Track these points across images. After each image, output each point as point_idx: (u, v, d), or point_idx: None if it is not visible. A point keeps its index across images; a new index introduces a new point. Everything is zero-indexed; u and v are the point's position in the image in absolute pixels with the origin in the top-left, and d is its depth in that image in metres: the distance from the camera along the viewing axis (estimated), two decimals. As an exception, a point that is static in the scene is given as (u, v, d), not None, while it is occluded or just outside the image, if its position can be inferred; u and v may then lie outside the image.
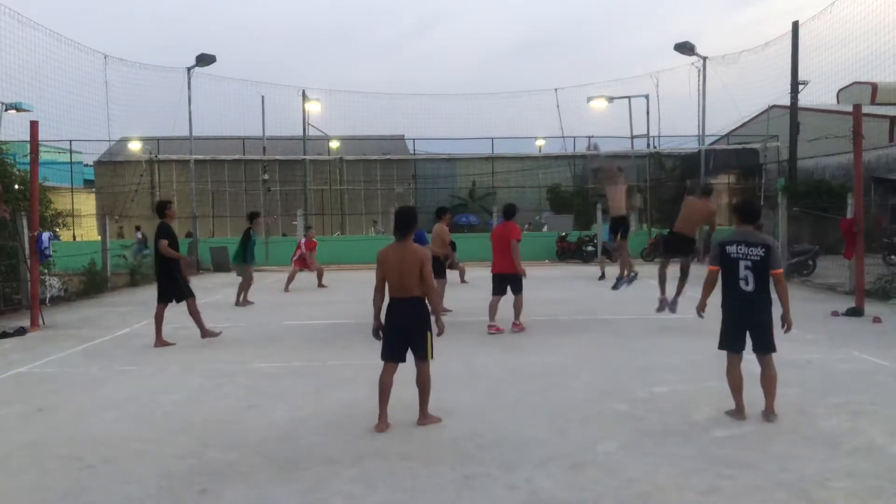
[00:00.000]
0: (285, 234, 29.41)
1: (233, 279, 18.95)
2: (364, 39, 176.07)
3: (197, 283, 18.62)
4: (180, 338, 9.79)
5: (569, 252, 23.73)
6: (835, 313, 10.61)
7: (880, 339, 8.70)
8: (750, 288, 5.37)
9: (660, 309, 10.13)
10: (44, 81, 18.66)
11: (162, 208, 9.47)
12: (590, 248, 23.24)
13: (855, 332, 9.24)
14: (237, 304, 13.38)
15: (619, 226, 11.73)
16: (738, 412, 5.53)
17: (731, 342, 5.56)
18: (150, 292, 16.16)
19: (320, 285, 16.49)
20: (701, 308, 5.93)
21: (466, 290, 14.42)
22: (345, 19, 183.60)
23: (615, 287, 11.90)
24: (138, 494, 4.24)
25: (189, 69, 23.16)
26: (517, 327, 9.59)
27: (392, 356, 5.42)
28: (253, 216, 14.08)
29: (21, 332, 10.28)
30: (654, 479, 4.30)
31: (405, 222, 5.43)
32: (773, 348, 5.51)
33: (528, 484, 4.27)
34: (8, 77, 16.22)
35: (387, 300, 5.46)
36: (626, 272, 11.79)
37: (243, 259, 13.66)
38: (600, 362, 7.72)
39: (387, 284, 5.40)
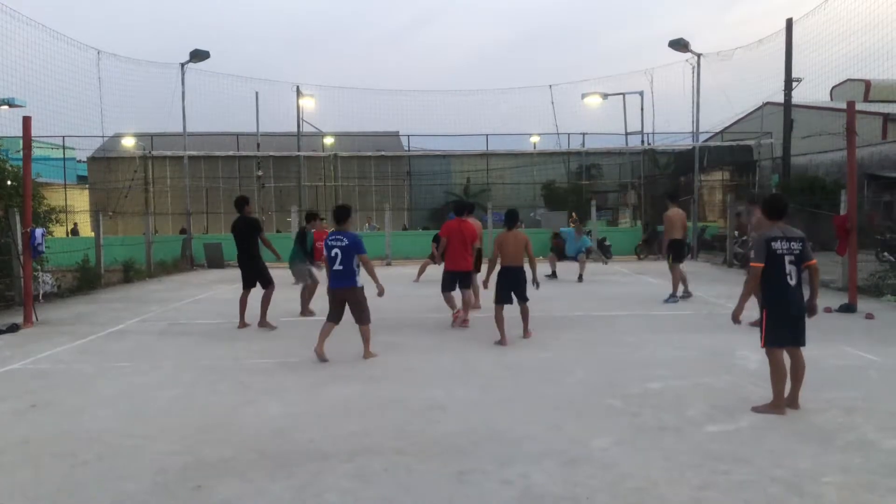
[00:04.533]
0: (279, 230, 29.36)
1: (224, 275, 18.94)
2: (359, 36, 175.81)
3: (190, 279, 18.65)
4: (174, 333, 9.79)
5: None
6: (828, 309, 10.63)
7: (873, 335, 8.74)
8: (794, 282, 5.44)
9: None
10: (37, 77, 18.53)
11: (242, 204, 10.25)
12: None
13: (848, 328, 9.28)
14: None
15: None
16: (779, 406, 5.49)
17: (783, 338, 5.52)
18: (144, 288, 16.16)
19: None
20: (739, 314, 5.66)
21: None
22: (340, 16, 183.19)
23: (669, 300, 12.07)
24: (132, 491, 4.24)
25: (183, 65, 23.05)
26: (465, 323, 9.97)
27: (505, 300, 8.68)
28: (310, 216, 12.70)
29: (14, 328, 10.24)
30: (649, 475, 4.32)
31: (513, 218, 8.94)
32: (804, 341, 5.60)
33: (523, 479, 4.28)
34: (0, 72, 16.10)
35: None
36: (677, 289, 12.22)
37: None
38: (594, 358, 7.74)
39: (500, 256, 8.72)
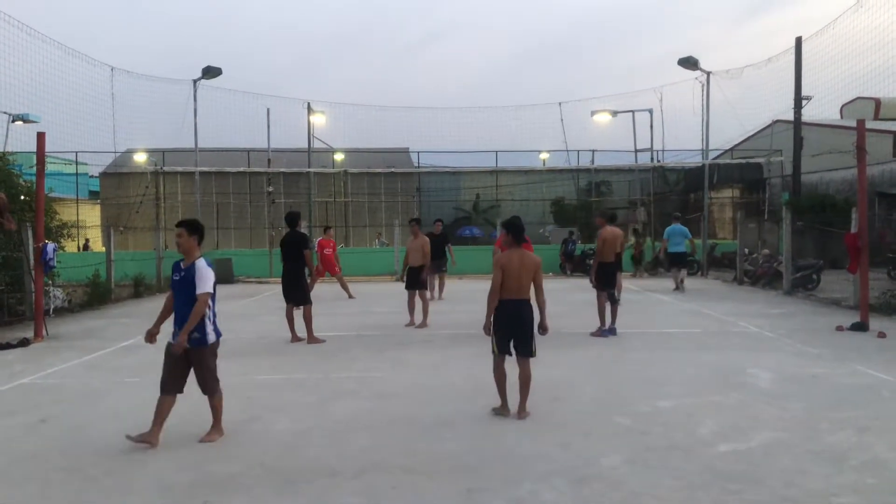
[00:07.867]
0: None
1: (234, 291, 18.99)
2: (369, 53, 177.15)
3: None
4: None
5: (572, 265, 23.73)
6: (839, 328, 10.57)
7: (885, 354, 8.66)
8: None
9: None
10: (51, 93, 18.80)
11: (295, 219, 10.47)
12: (592, 262, 23.26)
13: (860, 346, 9.20)
14: None
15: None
16: None
17: None
18: (154, 303, 16.20)
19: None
20: None
21: (466, 304, 14.39)
22: (350, 32, 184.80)
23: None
24: (140, 506, 4.23)
25: (195, 81, 23.28)
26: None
27: (507, 348, 6.00)
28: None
29: (25, 343, 10.29)
30: (658, 494, 4.27)
31: (519, 231, 6.12)
32: None
33: (532, 497, 4.25)
34: (15, 88, 16.33)
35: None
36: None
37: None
38: (604, 376, 7.70)
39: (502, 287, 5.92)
